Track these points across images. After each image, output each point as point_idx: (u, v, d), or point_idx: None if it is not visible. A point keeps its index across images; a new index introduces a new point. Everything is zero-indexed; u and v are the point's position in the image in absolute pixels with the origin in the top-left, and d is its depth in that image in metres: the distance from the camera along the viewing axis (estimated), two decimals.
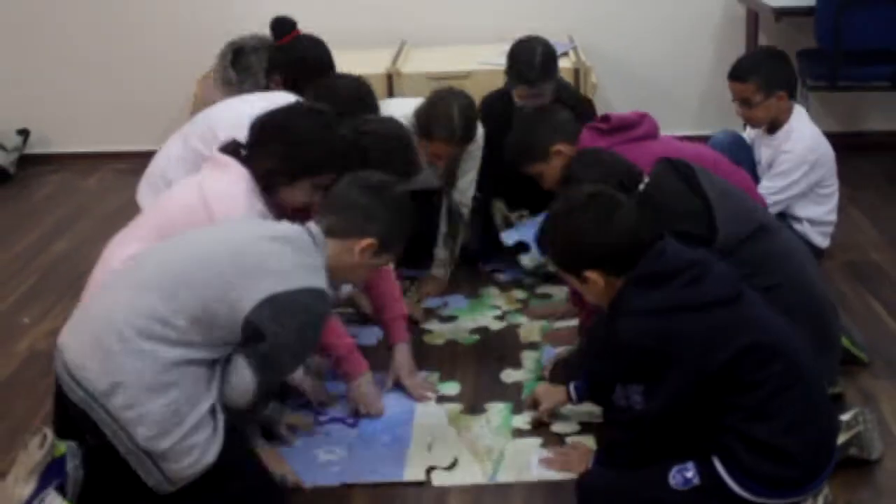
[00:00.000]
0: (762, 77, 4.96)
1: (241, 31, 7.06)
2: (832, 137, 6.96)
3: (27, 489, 3.34)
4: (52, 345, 4.61)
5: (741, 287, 3.34)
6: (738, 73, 5.04)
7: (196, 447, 3.29)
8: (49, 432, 3.44)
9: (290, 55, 5.33)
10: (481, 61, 6.62)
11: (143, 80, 7.52)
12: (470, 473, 3.84)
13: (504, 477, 3.81)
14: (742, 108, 5.05)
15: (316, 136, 4.06)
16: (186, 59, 7.05)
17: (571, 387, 4.01)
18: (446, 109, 4.92)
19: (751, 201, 4.14)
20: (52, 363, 4.04)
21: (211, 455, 3.32)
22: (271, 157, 3.95)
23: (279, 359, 3.41)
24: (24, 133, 7.63)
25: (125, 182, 6.03)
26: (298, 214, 3.99)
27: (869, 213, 6.20)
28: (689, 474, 3.27)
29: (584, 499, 3.50)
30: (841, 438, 3.58)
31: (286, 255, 3.42)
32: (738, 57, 5.35)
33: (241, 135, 4.18)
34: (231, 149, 4.06)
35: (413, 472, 3.84)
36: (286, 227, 3.59)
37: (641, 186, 3.96)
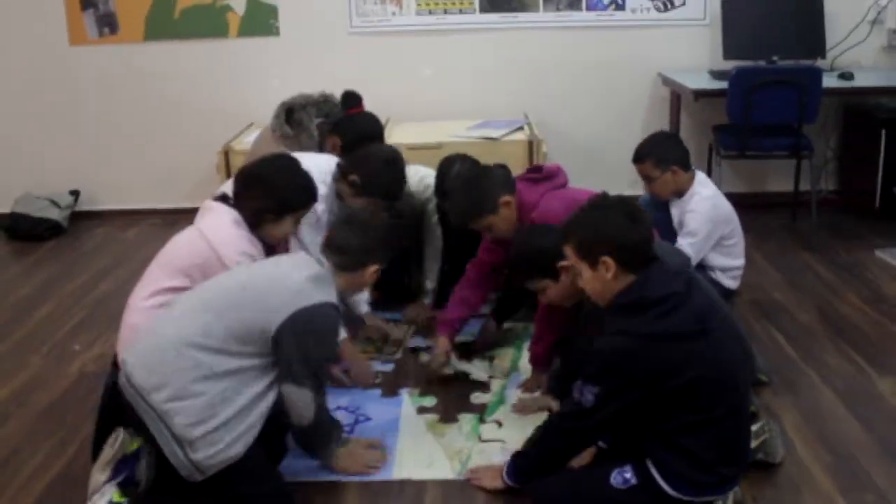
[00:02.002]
0: (655, 157, 4.92)
1: (251, 114, 7.19)
2: (741, 197, 7.04)
3: (103, 476, 3.44)
4: (98, 367, 4.70)
5: (710, 324, 3.26)
6: (636, 156, 4.99)
7: (223, 441, 3.32)
8: (122, 432, 3.49)
9: (354, 125, 5.31)
10: (451, 134, 6.61)
11: (173, 151, 7.52)
12: (443, 470, 3.84)
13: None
14: (645, 183, 5.04)
15: (293, 180, 4.09)
16: (208, 134, 7.08)
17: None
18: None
19: (680, 253, 4.15)
20: (98, 383, 4.10)
21: (234, 450, 3.34)
22: (259, 200, 3.97)
23: (312, 366, 3.46)
24: (75, 193, 7.62)
25: (159, 234, 6.02)
26: (279, 243, 4.14)
27: (771, 259, 6.22)
28: (628, 475, 3.30)
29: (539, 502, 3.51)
30: (751, 445, 3.61)
31: (298, 277, 3.53)
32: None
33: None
34: (220, 197, 4.12)
35: (400, 472, 3.84)
36: (309, 260, 3.69)
37: None
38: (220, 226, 3.96)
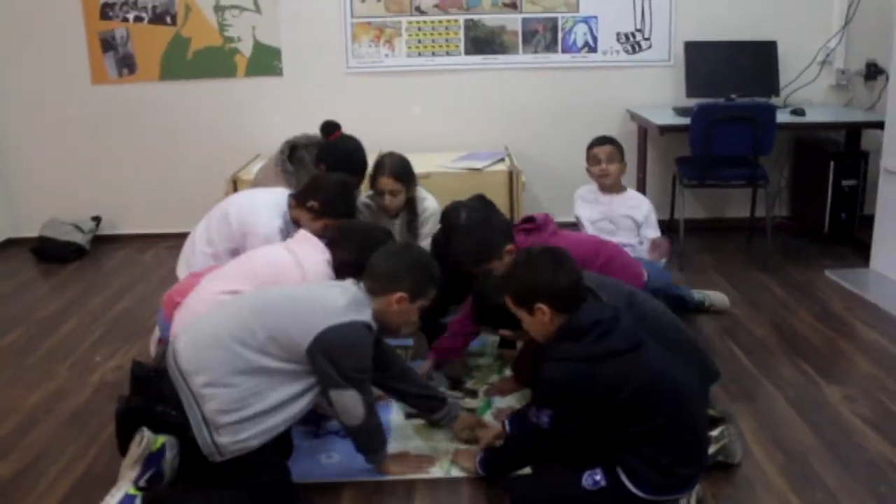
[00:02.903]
0: (618, 146, 5.44)
1: (256, 147, 7.26)
2: (702, 222, 7.14)
3: (133, 473, 3.49)
4: (118, 377, 4.73)
5: (640, 339, 3.37)
6: (605, 139, 5.70)
7: (246, 432, 3.37)
8: (147, 433, 3.55)
9: (334, 150, 5.35)
10: (438, 165, 6.65)
11: (186, 180, 7.53)
12: (431, 470, 3.86)
13: (456, 472, 3.83)
14: (595, 172, 5.59)
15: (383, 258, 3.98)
16: (218, 165, 7.15)
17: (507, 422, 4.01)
18: None
19: (619, 284, 4.12)
20: (117, 392, 4.11)
21: (254, 442, 3.39)
22: (349, 254, 4.07)
23: (346, 374, 3.48)
24: (96, 219, 7.62)
25: (173, 255, 5.99)
26: None
27: (729, 278, 6.25)
28: (598, 478, 3.32)
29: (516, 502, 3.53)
30: (711, 449, 3.64)
31: (338, 299, 3.59)
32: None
33: (248, 218, 4.59)
34: (325, 236, 4.26)
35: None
36: (352, 286, 3.71)
37: None
38: (315, 261, 4.06)
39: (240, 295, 3.80)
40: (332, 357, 3.46)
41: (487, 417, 4.29)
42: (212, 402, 3.36)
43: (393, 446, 3.99)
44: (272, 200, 4.74)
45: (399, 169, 5.28)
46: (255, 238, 4.57)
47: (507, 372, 4.75)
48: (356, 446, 3.74)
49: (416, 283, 3.75)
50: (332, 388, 3.49)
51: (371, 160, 5.38)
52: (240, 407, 3.37)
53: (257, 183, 5.39)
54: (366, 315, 3.60)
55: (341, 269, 4.04)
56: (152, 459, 3.53)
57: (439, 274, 3.86)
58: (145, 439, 3.54)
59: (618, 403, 3.24)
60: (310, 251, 4.11)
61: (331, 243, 4.15)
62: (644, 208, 5.72)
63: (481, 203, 5.07)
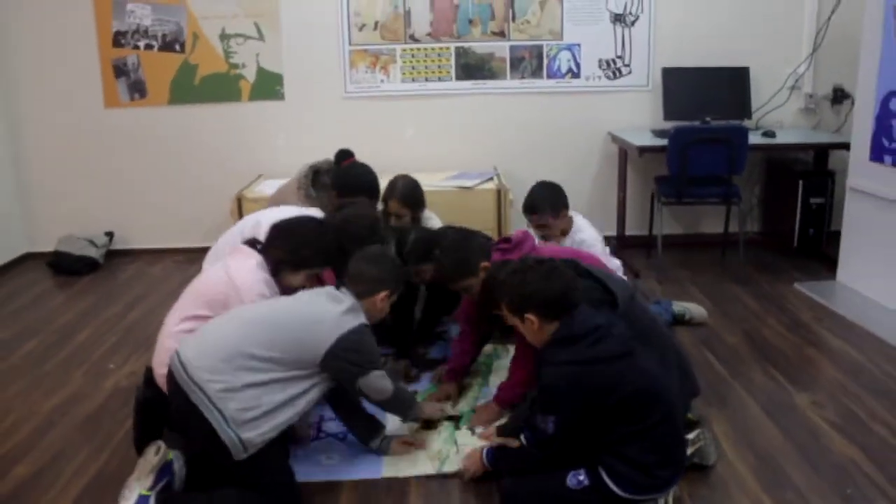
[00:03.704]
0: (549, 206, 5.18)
1: (260, 167, 7.36)
2: (678, 238, 7.13)
3: (147, 483, 3.48)
4: (130, 383, 4.73)
5: (632, 345, 3.39)
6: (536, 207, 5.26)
7: (267, 424, 3.46)
8: (162, 444, 3.57)
9: (346, 176, 5.36)
10: (430, 184, 6.46)
11: (193, 198, 7.52)
12: (425, 468, 3.88)
13: (447, 469, 3.85)
14: (537, 229, 5.21)
15: (315, 243, 4.12)
16: (223, 184, 7.18)
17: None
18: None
19: (625, 280, 4.23)
20: (129, 397, 4.10)
21: (274, 434, 3.49)
22: (281, 252, 4.05)
23: (363, 367, 3.67)
24: (110, 234, 7.61)
25: (181, 269, 6.07)
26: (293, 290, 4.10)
27: (704, 290, 6.25)
28: (581, 478, 3.34)
29: (506, 501, 3.54)
30: (688, 451, 3.64)
31: (335, 309, 3.67)
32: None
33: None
34: (250, 243, 4.14)
35: (387, 471, 3.86)
36: (338, 294, 3.79)
37: None
38: (244, 268, 3.98)
39: (238, 310, 3.78)
40: (349, 360, 3.61)
41: (465, 435, 4.21)
42: (231, 402, 3.39)
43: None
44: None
45: (407, 194, 5.31)
46: None
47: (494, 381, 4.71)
48: (392, 411, 4.06)
49: (396, 281, 3.94)
50: (358, 378, 3.67)
51: (374, 179, 5.36)
52: (257, 405, 3.42)
53: (277, 201, 5.34)
54: (361, 317, 3.73)
55: (279, 268, 4.03)
56: (165, 469, 3.54)
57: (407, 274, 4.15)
58: (161, 450, 3.56)
59: (610, 405, 3.26)
60: (241, 262, 4.03)
61: (262, 249, 4.09)
62: (587, 238, 5.36)
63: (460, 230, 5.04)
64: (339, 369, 3.61)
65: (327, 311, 3.66)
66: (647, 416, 3.28)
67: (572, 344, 3.36)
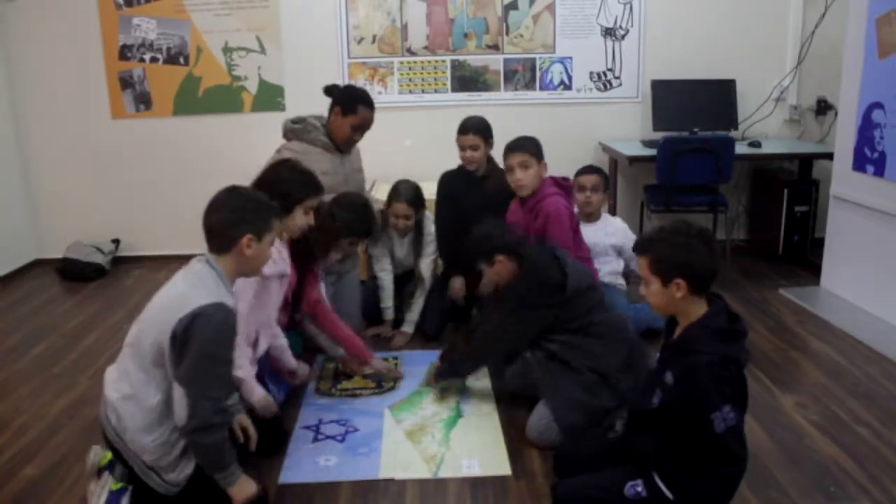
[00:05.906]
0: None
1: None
2: None
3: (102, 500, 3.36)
4: None
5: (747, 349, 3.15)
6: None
7: (185, 462, 3.31)
8: (107, 474, 3.42)
9: (347, 92, 5.53)
10: (427, 192, 6.58)
11: (197, 206, 7.46)
12: (420, 471, 3.86)
13: (443, 474, 3.83)
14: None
15: (290, 175, 4.15)
16: None
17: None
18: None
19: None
20: None
21: (191, 466, 3.32)
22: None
23: (204, 365, 3.09)
24: (116, 242, 7.63)
25: None
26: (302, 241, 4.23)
27: None
28: (639, 489, 3.21)
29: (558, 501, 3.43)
30: None
31: (183, 286, 3.24)
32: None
33: None
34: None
35: (384, 472, 3.85)
36: (194, 265, 3.36)
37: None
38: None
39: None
40: (189, 351, 3.09)
41: (458, 428, 4.29)
42: (144, 454, 3.24)
43: (387, 447, 4.04)
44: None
45: (412, 196, 5.46)
46: None
47: None
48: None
49: (254, 219, 3.36)
50: (175, 381, 3.16)
51: (370, 188, 5.38)
52: (168, 450, 3.25)
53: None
54: (214, 293, 3.19)
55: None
56: (111, 500, 3.36)
57: (268, 198, 3.49)
58: (97, 452, 3.49)
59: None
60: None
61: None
62: (620, 236, 5.62)
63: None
64: (176, 362, 3.13)
65: (172, 289, 3.28)
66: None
67: (735, 340, 3.11)
